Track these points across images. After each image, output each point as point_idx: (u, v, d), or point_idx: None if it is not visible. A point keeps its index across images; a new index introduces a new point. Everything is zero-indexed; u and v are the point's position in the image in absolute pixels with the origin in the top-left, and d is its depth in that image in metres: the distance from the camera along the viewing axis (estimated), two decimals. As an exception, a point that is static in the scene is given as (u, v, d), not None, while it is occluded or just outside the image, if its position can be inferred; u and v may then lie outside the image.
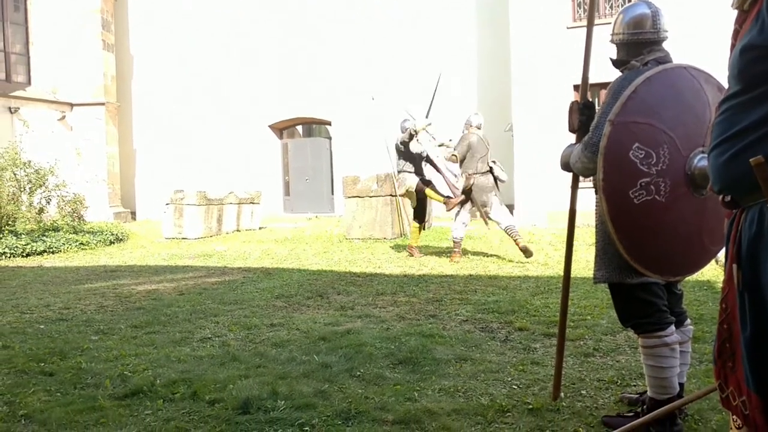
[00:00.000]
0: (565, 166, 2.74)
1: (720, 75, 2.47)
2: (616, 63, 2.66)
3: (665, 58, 2.55)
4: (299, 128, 18.52)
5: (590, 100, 2.71)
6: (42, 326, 4.63)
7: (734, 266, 1.45)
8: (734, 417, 1.53)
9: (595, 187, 2.42)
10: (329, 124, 16.77)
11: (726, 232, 1.53)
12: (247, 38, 16.93)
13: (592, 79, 2.66)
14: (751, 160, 1.32)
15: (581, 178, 2.82)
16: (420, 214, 8.49)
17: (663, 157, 2.28)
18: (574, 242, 2.99)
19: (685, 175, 2.31)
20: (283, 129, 17.71)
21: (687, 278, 3.19)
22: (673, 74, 2.39)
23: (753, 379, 1.40)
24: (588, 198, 2.55)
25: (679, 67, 2.42)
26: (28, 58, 16.67)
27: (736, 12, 1.49)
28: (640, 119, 2.31)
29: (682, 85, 2.38)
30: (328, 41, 16.06)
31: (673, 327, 2.53)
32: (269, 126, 17.21)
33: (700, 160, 2.30)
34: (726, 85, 1.49)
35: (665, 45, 2.62)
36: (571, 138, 2.77)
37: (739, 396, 1.46)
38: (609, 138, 2.31)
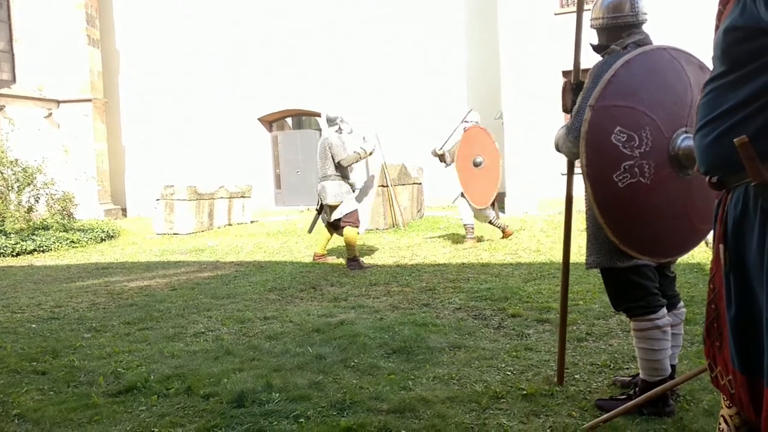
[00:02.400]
0: (557, 147, 2.74)
1: (701, 55, 2.47)
2: (597, 48, 2.67)
3: (645, 41, 2.55)
4: (289, 120, 18.42)
5: (582, 80, 2.71)
6: (34, 325, 4.60)
7: (721, 246, 1.46)
8: (724, 396, 1.55)
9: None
10: (319, 115, 16.69)
11: (714, 213, 1.53)
12: (234, 30, 16.79)
13: (583, 63, 2.66)
14: (735, 140, 1.32)
15: (576, 164, 2.82)
16: (334, 226, 6.99)
17: (645, 140, 2.28)
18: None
19: (668, 156, 2.32)
20: (272, 122, 17.62)
21: (678, 261, 3.21)
22: (653, 56, 2.39)
23: (737, 358, 1.41)
24: (579, 183, 2.55)
25: (658, 49, 2.42)
26: (12, 55, 16.45)
27: None
28: (620, 102, 2.31)
29: (662, 66, 2.38)
30: (316, 32, 15.96)
31: (664, 310, 2.55)
32: (258, 119, 17.12)
33: (684, 141, 2.30)
34: (709, 64, 1.49)
35: (646, 27, 2.63)
36: (563, 120, 2.77)
37: (726, 375, 1.47)
38: (590, 123, 2.31)
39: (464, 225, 8.16)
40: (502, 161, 7.64)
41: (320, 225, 7.29)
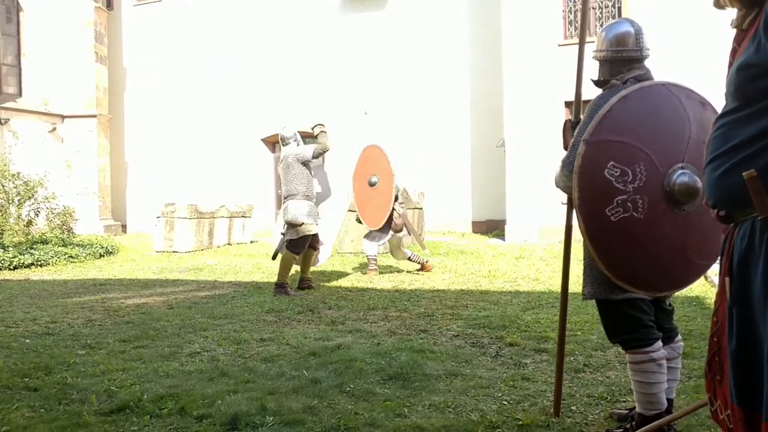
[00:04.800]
0: (556, 183, 2.76)
1: (706, 91, 2.50)
2: (598, 83, 2.69)
3: (645, 76, 2.57)
4: (292, 142, 18.53)
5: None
6: (27, 340, 4.57)
7: (727, 279, 1.46)
8: (723, 430, 1.54)
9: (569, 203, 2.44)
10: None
11: (721, 246, 1.54)
12: (240, 51, 17.00)
13: (585, 96, 2.69)
14: (744, 174, 1.34)
15: None
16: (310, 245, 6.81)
17: (639, 175, 2.30)
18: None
19: (663, 191, 2.33)
20: (275, 143, 17.71)
21: (676, 294, 3.20)
22: (651, 92, 2.42)
23: (736, 391, 1.41)
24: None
25: (657, 85, 2.45)
26: (20, 69, 16.65)
27: (727, 31, 1.52)
28: (614, 138, 2.33)
29: (659, 102, 2.40)
30: (320, 55, 16.15)
31: (660, 342, 2.53)
32: (262, 140, 17.23)
33: (679, 176, 2.31)
34: (713, 100, 1.52)
35: (654, 62, 2.65)
36: (563, 151, 2.78)
37: (725, 410, 1.46)
38: (583, 157, 2.33)
39: (367, 257, 7.89)
40: (395, 181, 7.40)
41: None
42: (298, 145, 6.81)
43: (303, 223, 6.50)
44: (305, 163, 6.64)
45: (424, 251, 8.55)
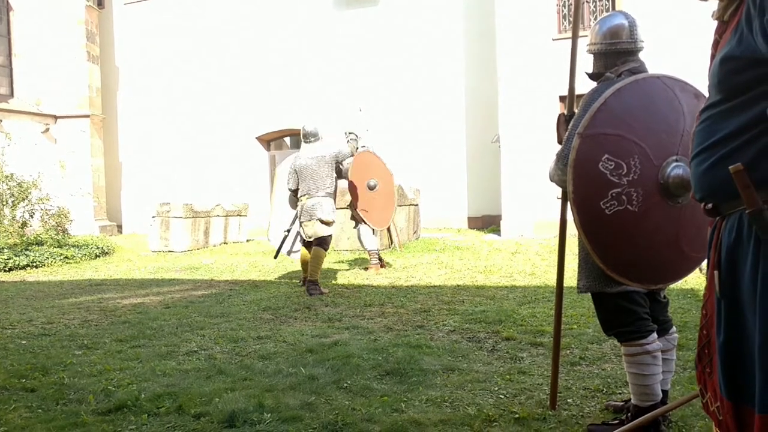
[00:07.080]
0: (551, 177, 2.77)
1: (698, 82, 2.51)
2: (592, 76, 2.69)
3: (639, 69, 2.57)
4: (287, 140, 18.51)
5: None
6: (24, 341, 4.56)
7: (715, 273, 1.46)
8: (714, 422, 1.55)
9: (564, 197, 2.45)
10: (316, 135, 16.76)
11: (708, 240, 1.54)
12: (233, 49, 16.95)
13: (578, 90, 2.69)
14: (730, 167, 1.33)
15: None
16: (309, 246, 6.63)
17: (634, 168, 2.31)
18: (559, 251, 2.99)
19: (658, 184, 2.34)
20: (270, 141, 17.69)
21: (671, 286, 3.22)
22: (645, 84, 2.42)
23: (725, 384, 1.41)
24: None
25: (652, 77, 2.45)
26: (11, 69, 16.54)
27: (715, 22, 1.52)
28: (609, 131, 2.33)
29: (654, 94, 2.40)
30: (315, 52, 16.12)
31: (654, 335, 2.55)
32: (256, 138, 17.19)
33: (674, 169, 2.32)
34: (705, 92, 1.51)
35: (648, 54, 2.66)
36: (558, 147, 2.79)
37: (715, 402, 1.47)
38: (577, 150, 2.33)
39: (368, 251, 7.97)
40: (396, 182, 7.63)
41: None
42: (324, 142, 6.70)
43: (334, 221, 6.44)
44: (338, 162, 6.51)
45: (396, 248, 8.74)
